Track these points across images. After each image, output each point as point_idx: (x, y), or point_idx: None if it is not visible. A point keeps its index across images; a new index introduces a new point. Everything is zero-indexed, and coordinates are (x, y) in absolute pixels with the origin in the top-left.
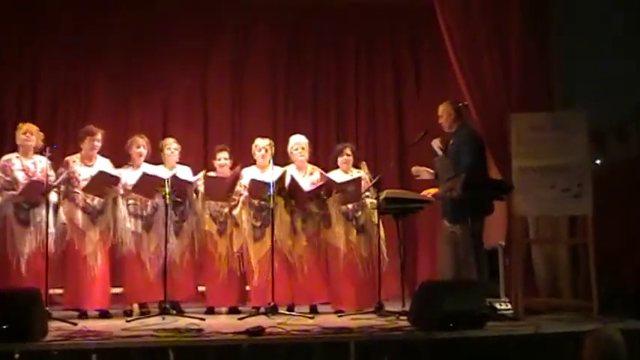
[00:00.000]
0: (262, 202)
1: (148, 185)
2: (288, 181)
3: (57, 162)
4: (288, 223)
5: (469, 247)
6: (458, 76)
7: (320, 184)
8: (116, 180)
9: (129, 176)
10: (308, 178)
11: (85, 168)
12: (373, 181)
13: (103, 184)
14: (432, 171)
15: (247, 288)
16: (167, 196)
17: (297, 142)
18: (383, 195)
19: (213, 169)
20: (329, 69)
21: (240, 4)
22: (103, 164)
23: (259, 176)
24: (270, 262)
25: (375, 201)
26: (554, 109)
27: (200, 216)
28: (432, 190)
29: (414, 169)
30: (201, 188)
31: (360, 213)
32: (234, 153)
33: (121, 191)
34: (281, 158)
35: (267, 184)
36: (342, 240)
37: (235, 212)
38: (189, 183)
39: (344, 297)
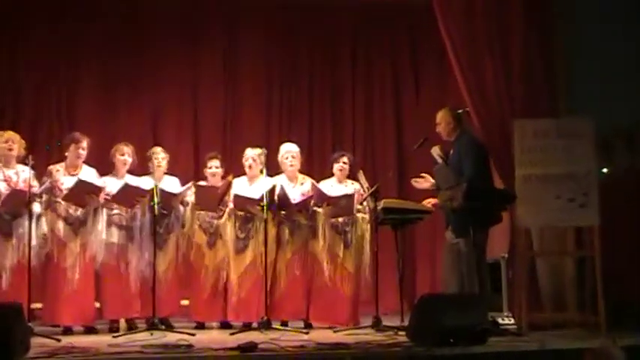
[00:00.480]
0: (248, 214)
1: (128, 196)
2: (277, 191)
3: (41, 171)
4: (273, 236)
5: (472, 260)
6: (459, 81)
7: (309, 195)
8: (97, 189)
9: (112, 185)
10: (298, 189)
11: (69, 177)
12: (370, 191)
13: (83, 193)
14: (432, 180)
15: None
16: (155, 207)
17: (288, 151)
18: (381, 205)
19: (204, 179)
20: (324, 74)
21: (230, 6)
22: (89, 174)
23: (247, 188)
24: (250, 276)
25: (367, 216)
26: (559, 115)
27: (189, 227)
28: (432, 200)
29: (413, 180)
30: (191, 198)
31: (349, 227)
32: (226, 161)
33: (102, 201)
34: (275, 167)
35: (251, 200)
36: (324, 253)
37: (220, 222)
38: (174, 195)
39: (323, 314)
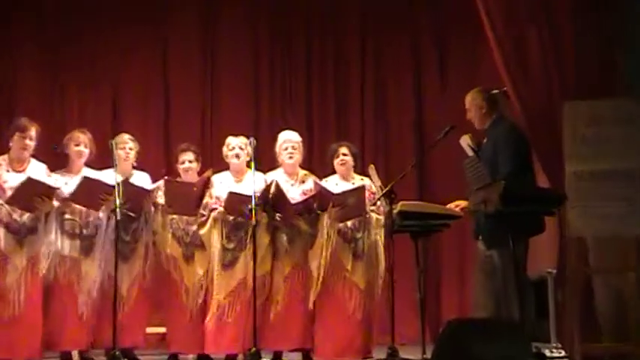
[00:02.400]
0: (240, 219)
1: (89, 193)
2: (273, 188)
3: None
4: (266, 246)
5: (510, 278)
6: (495, 55)
7: (311, 195)
8: (50, 190)
9: (64, 182)
10: (299, 187)
11: (13, 174)
12: (384, 191)
13: (32, 194)
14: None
15: None
16: (117, 209)
17: (288, 140)
18: (397, 208)
19: (177, 176)
20: (325, 47)
21: None
22: (38, 170)
23: (234, 186)
24: (242, 296)
25: (381, 217)
26: (616, 95)
27: (160, 235)
28: (461, 203)
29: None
30: (162, 200)
31: (361, 234)
32: (203, 155)
33: (56, 203)
34: (264, 163)
35: (248, 199)
36: (315, 264)
37: (203, 231)
38: (147, 192)
39: (327, 342)
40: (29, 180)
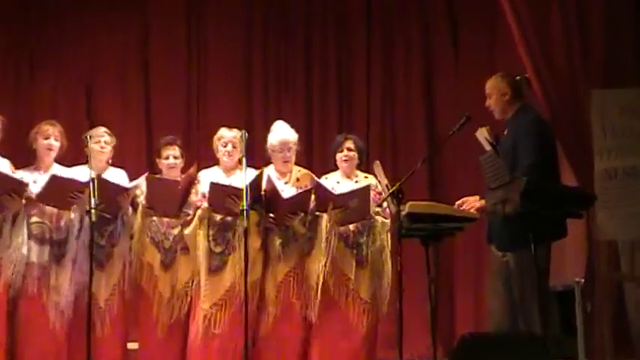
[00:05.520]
0: (228, 218)
1: (59, 193)
2: (266, 184)
3: None
4: (257, 250)
5: (530, 286)
6: (516, 39)
7: (306, 189)
8: (20, 186)
9: (33, 181)
10: (293, 186)
11: None
12: (391, 190)
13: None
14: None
15: None
16: (92, 209)
17: (284, 140)
18: (405, 210)
19: (159, 173)
20: (326, 26)
21: None
22: (2, 166)
23: (224, 181)
24: (230, 306)
25: (387, 220)
26: None
27: (138, 239)
28: (477, 203)
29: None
30: (142, 199)
31: (364, 238)
32: (188, 149)
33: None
34: (258, 158)
35: (236, 190)
36: (315, 273)
37: (187, 231)
38: (124, 189)
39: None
40: None
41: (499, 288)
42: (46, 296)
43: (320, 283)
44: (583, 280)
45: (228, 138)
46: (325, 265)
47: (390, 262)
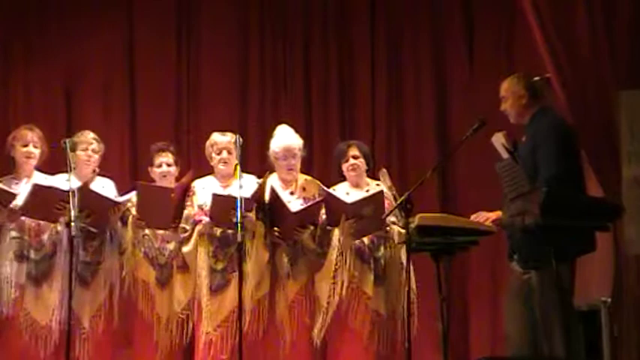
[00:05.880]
0: (229, 232)
1: (44, 203)
2: (269, 195)
3: None
4: (266, 264)
5: (552, 306)
6: (537, 39)
7: (316, 200)
8: (9, 196)
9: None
10: (300, 197)
11: None
12: (399, 200)
13: None
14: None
15: None
16: (72, 223)
17: (288, 147)
18: (414, 222)
19: (150, 181)
20: (327, 20)
21: None
22: None
23: (221, 191)
24: (234, 329)
25: (403, 230)
26: None
27: (130, 254)
28: (493, 215)
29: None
30: (133, 211)
31: (381, 251)
32: (181, 157)
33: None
34: (253, 164)
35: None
36: (325, 289)
37: (186, 249)
38: (113, 203)
39: None
40: None
41: (518, 308)
42: (25, 318)
43: (333, 302)
44: (610, 300)
45: (222, 144)
46: (341, 283)
47: (406, 275)
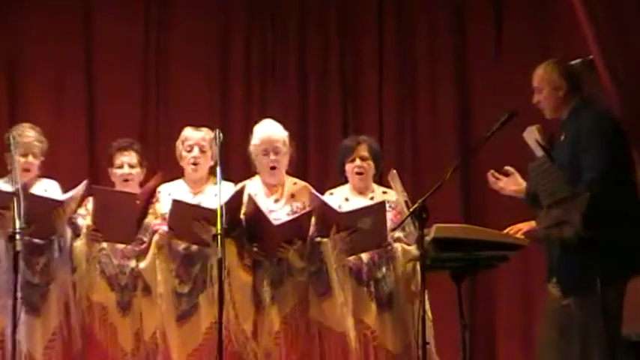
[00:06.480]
0: (193, 248)
1: None
2: (246, 205)
3: None
4: (248, 287)
5: (595, 336)
6: (579, 18)
7: (304, 211)
8: None
9: None
10: (286, 204)
11: None
12: (412, 208)
13: None
14: (522, 182)
15: None
16: (16, 235)
17: (267, 139)
18: (431, 234)
19: (110, 186)
20: (325, 10)
21: None
22: None
23: (189, 199)
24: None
25: (413, 248)
26: None
27: (83, 272)
28: (525, 226)
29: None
30: (86, 221)
31: (383, 271)
32: (148, 158)
33: None
34: (236, 167)
35: (206, 212)
36: (349, 321)
37: (143, 264)
38: (58, 203)
39: None
40: None
41: (554, 338)
42: None
43: (351, 329)
44: None
45: (194, 140)
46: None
47: (417, 302)
